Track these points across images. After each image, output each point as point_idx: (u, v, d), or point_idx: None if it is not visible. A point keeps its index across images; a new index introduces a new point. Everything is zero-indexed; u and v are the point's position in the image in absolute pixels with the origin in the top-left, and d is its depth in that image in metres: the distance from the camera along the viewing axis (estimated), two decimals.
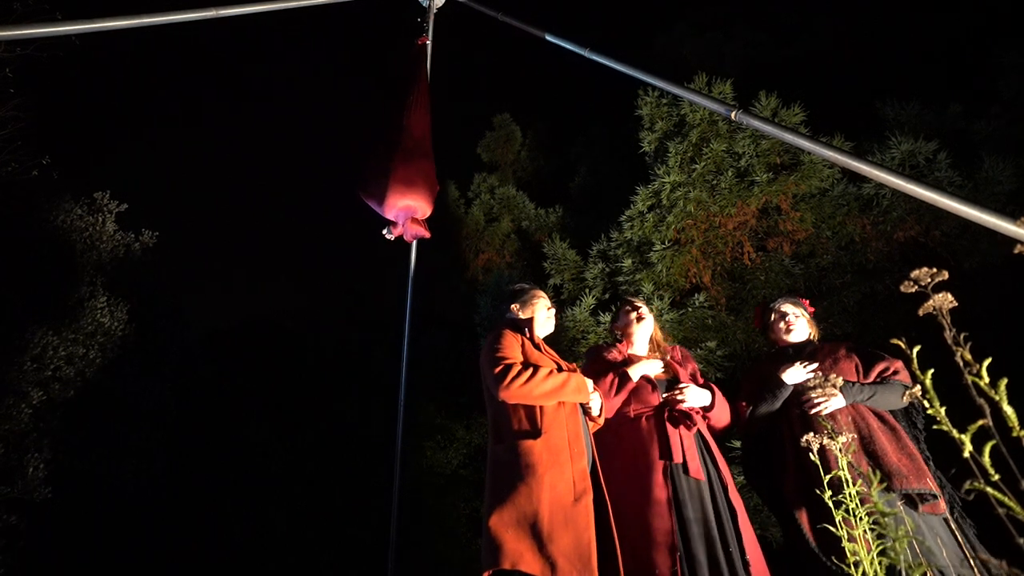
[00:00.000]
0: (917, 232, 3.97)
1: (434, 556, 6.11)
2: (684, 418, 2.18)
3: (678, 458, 2.07)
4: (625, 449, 2.17)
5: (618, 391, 2.24)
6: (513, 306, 2.35)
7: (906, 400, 2.10)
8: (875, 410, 2.11)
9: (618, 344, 2.49)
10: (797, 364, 2.24)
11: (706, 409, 2.28)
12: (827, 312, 4.04)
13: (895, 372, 2.18)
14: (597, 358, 2.44)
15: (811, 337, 2.45)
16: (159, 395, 6.62)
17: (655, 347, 2.50)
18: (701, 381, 2.38)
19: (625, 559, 1.81)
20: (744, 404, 2.34)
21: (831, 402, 2.09)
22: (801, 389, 2.18)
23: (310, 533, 6.80)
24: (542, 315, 2.34)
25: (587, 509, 1.81)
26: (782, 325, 2.44)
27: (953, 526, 1.89)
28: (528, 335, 2.19)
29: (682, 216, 4.64)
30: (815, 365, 2.23)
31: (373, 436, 7.25)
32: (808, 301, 2.57)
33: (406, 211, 3.16)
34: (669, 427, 2.15)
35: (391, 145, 3.30)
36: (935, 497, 1.87)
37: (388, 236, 3.20)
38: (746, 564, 1.88)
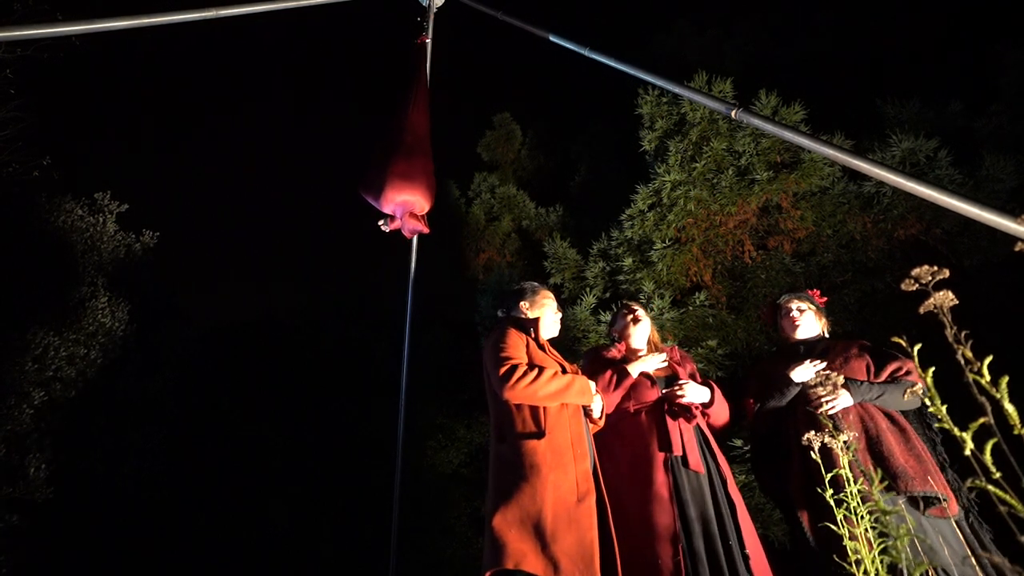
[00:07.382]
0: (918, 230, 3.97)
1: (435, 555, 6.12)
2: (683, 411, 2.19)
3: (678, 450, 2.08)
4: (625, 444, 2.18)
5: (617, 386, 2.25)
6: (521, 303, 2.31)
7: (908, 398, 2.09)
8: (885, 410, 2.09)
9: (616, 344, 2.49)
10: (806, 362, 2.22)
11: (705, 406, 2.27)
12: (828, 310, 4.03)
13: (907, 372, 2.15)
14: (596, 358, 2.44)
15: (822, 331, 2.44)
16: (160, 395, 6.62)
17: (653, 349, 2.50)
18: (700, 380, 2.38)
19: (625, 556, 1.80)
20: (751, 401, 2.32)
21: (838, 401, 2.07)
22: (809, 387, 2.17)
23: (311, 532, 6.81)
24: (549, 317, 2.32)
25: (590, 510, 1.80)
26: (788, 321, 2.44)
27: (967, 530, 1.87)
28: (533, 335, 2.17)
29: (682, 215, 4.64)
30: (824, 364, 2.21)
31: (374, 435, 7.24)
32: (818, 292, 2.56)
33: (404, 206, 3.17)
34: (668, 420, 2.15)
35: (391, 141, 3.31)
36: (941, 500, 1.85)
37: (384, 228, 3.22)
38: (746, 558, 1.87)
